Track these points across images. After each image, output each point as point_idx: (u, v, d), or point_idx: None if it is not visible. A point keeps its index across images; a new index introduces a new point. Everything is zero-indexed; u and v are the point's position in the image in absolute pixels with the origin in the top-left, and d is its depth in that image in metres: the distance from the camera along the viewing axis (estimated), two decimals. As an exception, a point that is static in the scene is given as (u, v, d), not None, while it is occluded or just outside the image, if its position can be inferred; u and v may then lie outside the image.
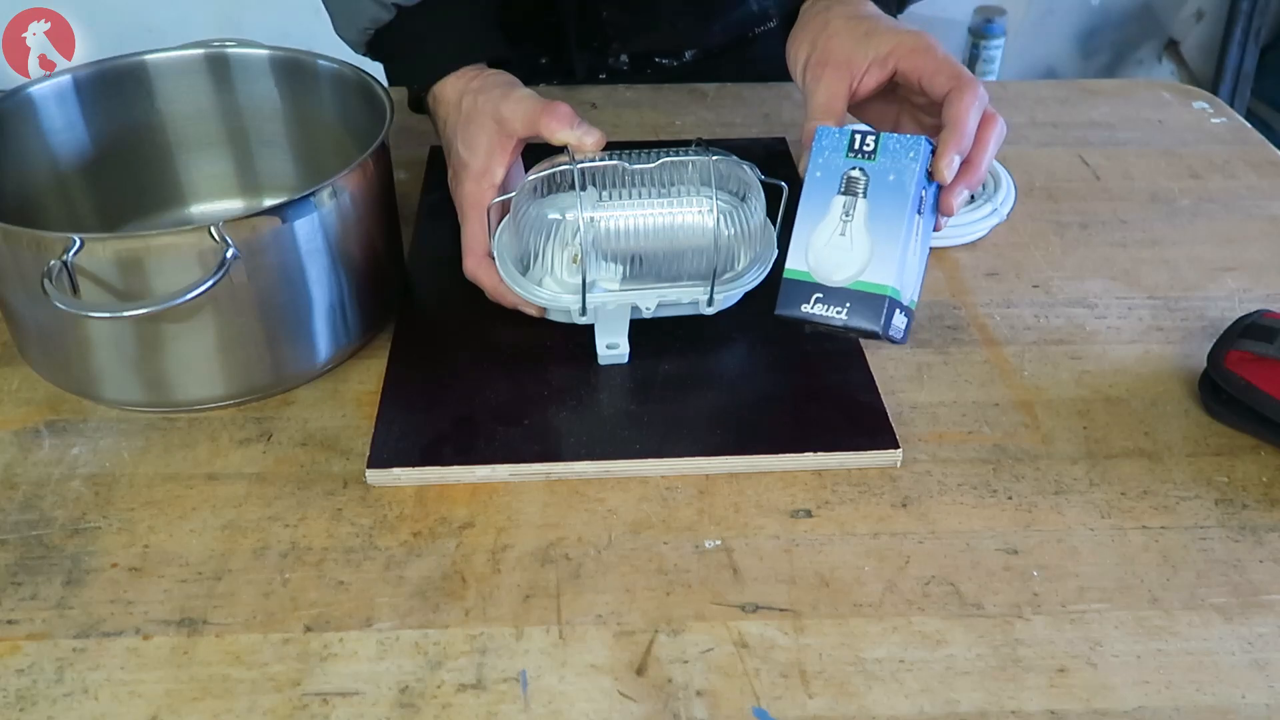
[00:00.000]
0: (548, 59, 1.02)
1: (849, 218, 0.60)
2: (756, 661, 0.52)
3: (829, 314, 0.59)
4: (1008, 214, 0.81)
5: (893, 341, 0.61)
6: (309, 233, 0.62)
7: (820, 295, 0.60)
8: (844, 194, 0.60)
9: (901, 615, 0.54)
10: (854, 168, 0.61)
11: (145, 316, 0.59)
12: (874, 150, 0.61)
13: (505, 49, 0.74)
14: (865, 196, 0.60)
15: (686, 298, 0.66)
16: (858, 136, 0.61)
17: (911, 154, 0.60)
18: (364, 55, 0.76)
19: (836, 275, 0.59)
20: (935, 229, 0.64)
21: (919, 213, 0.61)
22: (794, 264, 0.60)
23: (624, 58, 1.02)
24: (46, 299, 0.56)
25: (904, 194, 0.60)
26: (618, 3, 0.97)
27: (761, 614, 0.54)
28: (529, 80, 0.70)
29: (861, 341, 0.69)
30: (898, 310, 0.60)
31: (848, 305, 0.59)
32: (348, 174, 0.63)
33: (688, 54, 1.03)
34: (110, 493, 0.60)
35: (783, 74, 1.08)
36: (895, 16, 0.74)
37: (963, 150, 0.61)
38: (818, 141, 0.62)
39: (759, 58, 1.05)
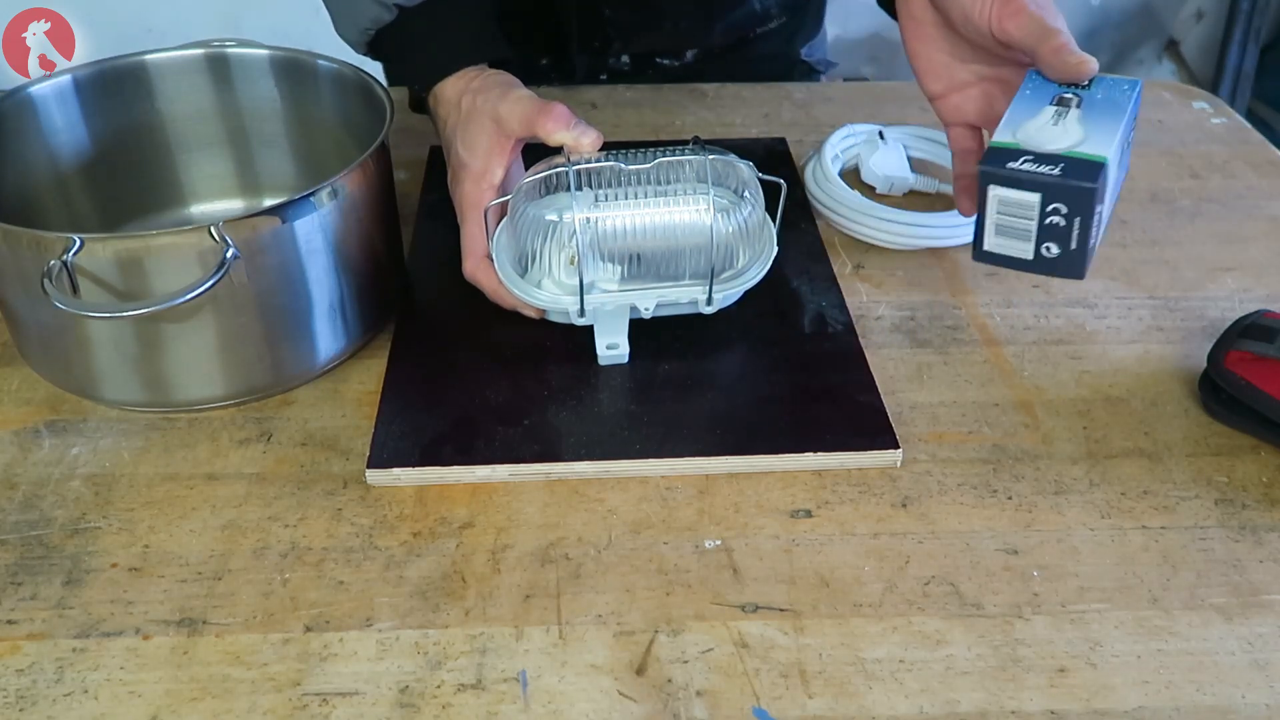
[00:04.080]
0: (549, 59, 1.02)
1: (1062, 116, 0.59)
2: (756, 661, 0.52)
3: (1039, 171, 0.56)
4: (1008, 214, 0.81)
5: (1080, 256, 0.56)
6: (309, 233, 0.62)
7: (1030, 158, 0.57)
8: (1055, 105, 0.60)
9: (901, 615, 0.54)
10: (1067, 92, 0.61)
11: (145, 316, 0.59)
12: (1089, 84, 0.61)
13: (506, 49, 0.74)
14: (1079, 107, 0.59)
15: (685, 297, 0.66)
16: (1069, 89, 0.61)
17: (1125, 86, 0.60)
18: (365, 55, 0.76)
19: (1050, 145, 0.57)
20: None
21: (1125, 148, 0.60)
22: (1000, 139, 0.58)
23: (625, 58, 1.02)
24: (46, 299, 0.56)
25: (1119, 110, 0.59)
26: (620, 2, 0.97)
27: (761, 614, 0.54)
28: (530, 81, 0.70)
29: (861, 341, 0.69)
30: (1104, 201, 0.56)
31: (1061, 166, 0.56)
32: (348, 174, 0.63)
33: (689, 54, 1.03)
34: (110, 493, 0.60)
35: (783, 74, 1.08)
36: None
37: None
38: (1029, 79, 0.62)
39: (760, 58, 1.05)
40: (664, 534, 0.58)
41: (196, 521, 0.59)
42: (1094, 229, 0.57)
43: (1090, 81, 0.61)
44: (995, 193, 0.57)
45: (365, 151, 0.64)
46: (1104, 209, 0.57)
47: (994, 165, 0.57)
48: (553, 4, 0.97)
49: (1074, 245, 0.57)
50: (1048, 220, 0.57)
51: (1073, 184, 0.55)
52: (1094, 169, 0.55)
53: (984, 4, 0.65)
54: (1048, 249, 0.58)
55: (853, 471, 0.61)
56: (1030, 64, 0.65)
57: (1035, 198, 0.56)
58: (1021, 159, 0.57)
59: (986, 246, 0.59)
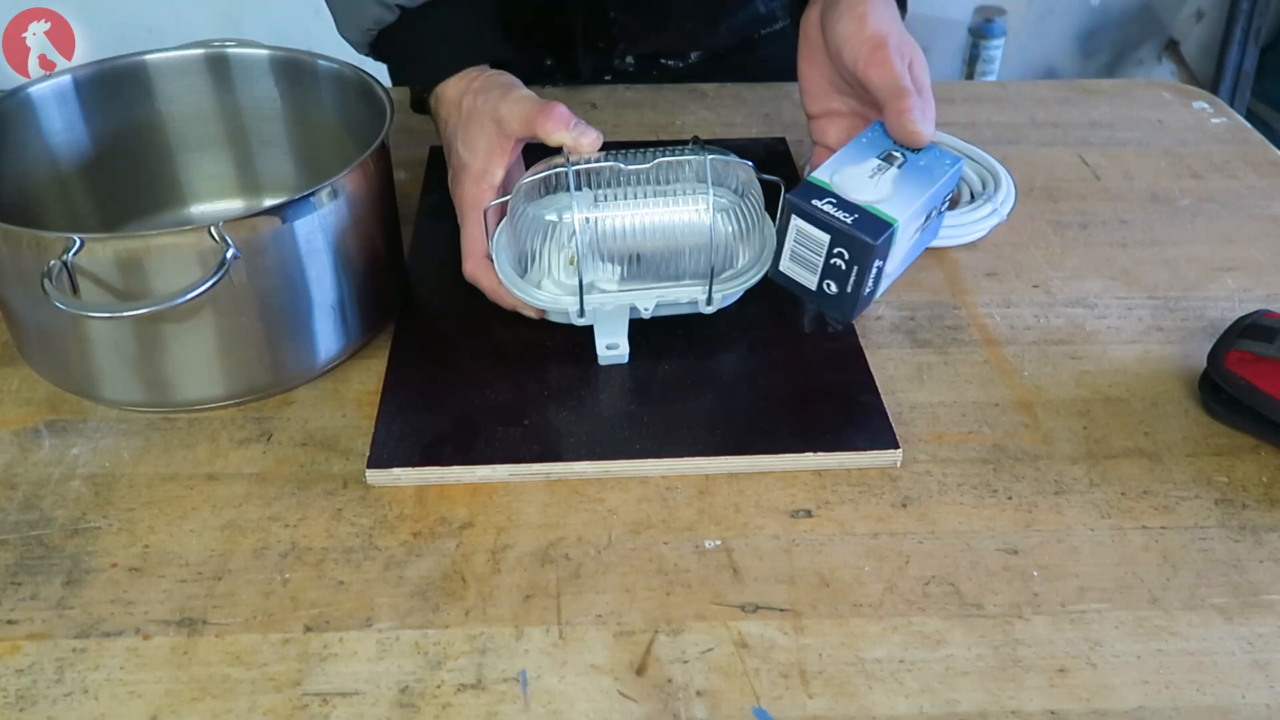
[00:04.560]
0: (553, 60, 1.02)
1: (881, 171, 0.63)
2: (756, 661, 0.52)
3: (835, 215, 0.60)
4: (1008, 214, 0.81)
5: (851, 300, 0.61)
6: (309, 233, 0.62)
7: (834, 201, 0.60)
8: (880, 159, 0.63)
9: (901, 615, 0.54)
10: (897, 150, 0.64)
11: (145, 316, 0.59)
12: (919, 151, 0.65)
13: (507, 50, 0.74)
14: (899, 168, 0.63)
15: (685, 297, 0.66)
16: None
17: (949, 161, 0.64)
18: (366, 55, 0.76)
19: (855, 195, 0.61)
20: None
21: (928, 216, 0.63)
22: (818, 176, 0.62)
23: (629, 59, 1.02)
24: (46, 299, 0.56)
25: (930, 182, 0.62)
26: (626, 3, 0.97)
27: (761, 614, 0.54)
28: (534, 81, 0.70)
29: (861, 341, 0.69)
30: (885, 259, 0.61)
31: (856, 217, 0.60)
32: (348, 174, 0.63)
33: (693, 55, 1.03)
34: (110, 493, 0.60)
35: (787, 75, 1.08)
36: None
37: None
38: (873, 127, 0.66)
39: (765, 59, 1.05)
40: (664, 534, 0.58)
41: (196, 521, 0.59)
42: (869, 279, 0.61)
43: (921, 150, 0.65)
44: (795, 223, 0.61)
45: (365, 151, 0.64)
46: (885, 265, 0.62)
47: (800, 198, 0.61)
48: (558, 5, 0.97)
49: (849, 289, 0.61)
50: (831, 260, 0.61)
51: (858, 235, 0.59)
52: (882, 227, 0.59)
53: (856, 46, 0.67)
54: (828, 285, 0.62)
55: (853, 471, 0.61)
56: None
57: (825, 237, 0.60)
58: (825, 199, 0.61)
59: (781, 267, 0.64)
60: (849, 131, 0.72)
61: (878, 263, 0.60)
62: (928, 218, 0.65)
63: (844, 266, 0.60)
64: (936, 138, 0.67)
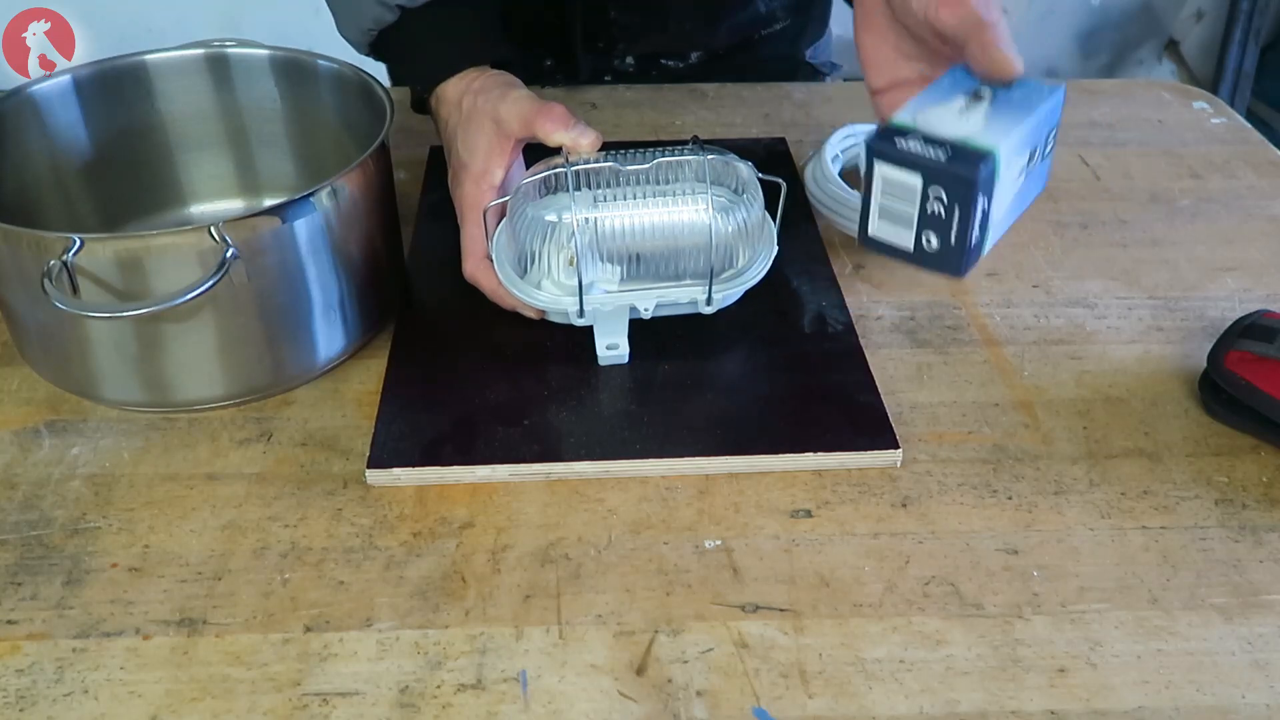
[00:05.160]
0: (553, 60, 1.02)
1: (970, 108, 0.57)
2: (756, 661, 0.52)
3: (923, 153, 0.54)
4: (1008, 214, 0.81)
5: (958, 253, 0.55)
6: (309, 233, 0.62)
7: (921, 139, 0.55)
8: (968, 97, 0.58)
9: (901, 615, 0.54)
10: (984, 88, 0.59)
11: (145, 316, 0.59)
12: (1011, 85, 0.59)
13: (508, 50, 0.74)
14: (990, 103, 0.58)
15: (685, 297, 0.66)
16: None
17: (1046, 92, 0.58)
18: (367, 55, 0.76)
19: (945, 131, 0.56)
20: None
21: (1032, 155, 0.58)
22: (898, 119, 0.57)
23: (629, 59, 1.02)
24: (46, 299, 0.56)
25: (1027, 110, 0.57)
26: (625, 4, 0.97)
27: (761, 614, 0.54)
28: (534, 81, 0.70)
29: (861, 341, 0.69)
30: (990, 198, 0.55)
31: (948, 151, 0.54)
32: (348, 174, 0.63)
33: (693, 55, 1.03)
34: (110, 493, 0.60)
35: (787, 77, 1.08)
36: None
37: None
38: (953, 70, 0.61)
39: (765, 60, 1.05)
40: (664, 534, 0.58)
41: (196, 521, 0.59)
42: (974, 224, 0.55)
43: (1014, 83, 0.59)
44: (880, 170, 0.55)
45: (365, 151, 0.64)
46: (991, 206, 0.55)
47: (882, 142, 0.56)
48: (558, 5, 0.97)
49: (953, 240, 0.55)
50: (929, 207, 0.55)
51: (954, 170, 0.53)
52: (979, 158, 0.54)
53: None
54: (927, 239, 0.56)
55: (853, 471, 0.61)
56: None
57: (917, 179, 0.54)
58: (910, 139, 0.55)
59: (871, 232, 0.58)
60: None
61: (983, 201, 0.54)
62: (1032, 157, 0.59)
63: (943, 212, 0.54)
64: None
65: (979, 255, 0.57)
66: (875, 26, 0.68)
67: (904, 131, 0.55)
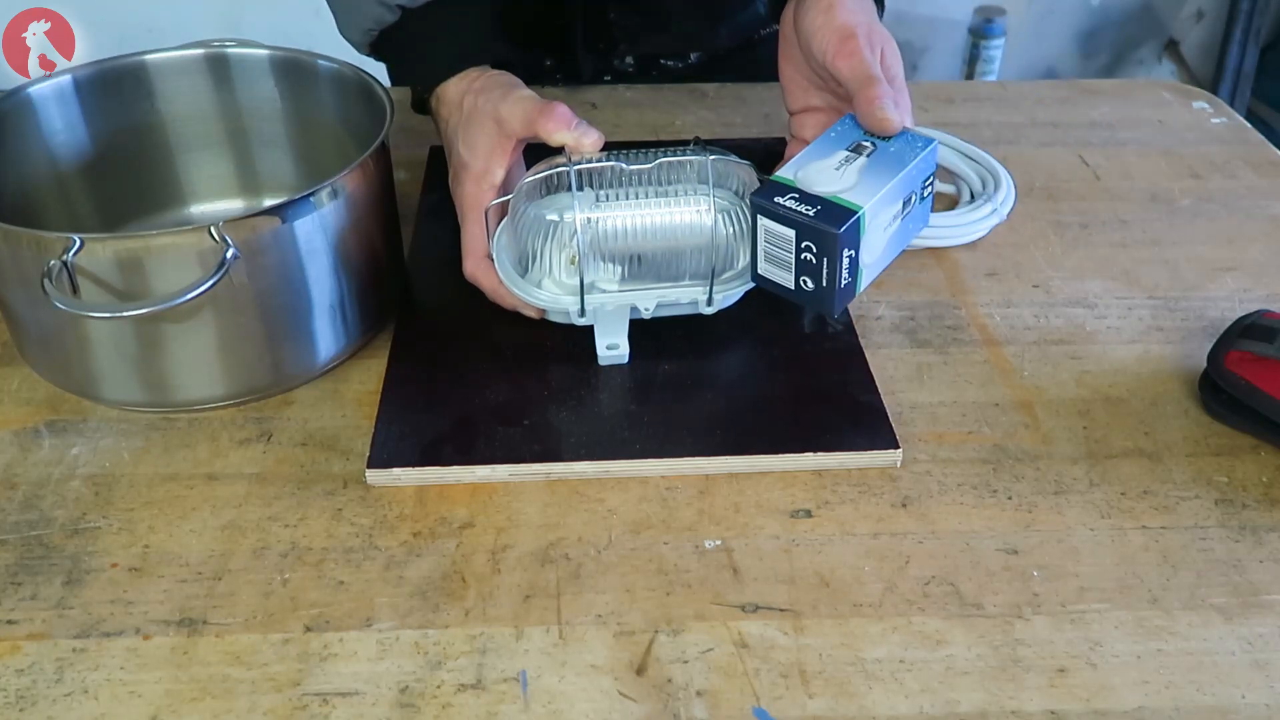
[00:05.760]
0: (553, 61, 1.02)
1: (848, 162, 0.62)
2: (756, 661, 0.52)
3: (797, 210, 0.59)
4: (1008, 214, 0.81)
5: (829, 294, 0.60)
6: (309, 233, 0.62)
7: (796, 196, 0.60)
8: (849, 150, 0.63)
9: (901, 615, 0.54)
10: (866, 140, 0.64)
11: (145, 316, 0.59)
12: (891, 139, 0.64)
13: (508, 51, 0.74)
14: (867, 157, 0.63)
15: (686, 298, 0.66)
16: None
17: (921, 144, 0.63)
18: (367, 55, 0.76)
19: (819, 188, 0.61)
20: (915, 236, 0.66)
21: (906, 202, 0.63)
22: (782, 174, 0.62)
23: (629, 60, 1.02)
24: (46, 299, 0.56)
25: (899, 165, 0.62)
26: (626, 4, 0.97)
27: (761, 614, 0.54)
28: (534, 81, 0.70)
29: (861, 341, 0.69)
30: (856, 249, 0.60)
31: (818, 208, 0.59)
32: (348, 174, 0.63)
33: (693, 56, 1.03)
34: (110, 493, 0.60)
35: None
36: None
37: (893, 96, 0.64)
38: (844, 120, 0.66)
39: (765, 60, 1.05)
40: (664, 534, 0.58)
41: (196, 521, 0.59)
42: (842, 271, 0.60)
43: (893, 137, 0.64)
44: (762, 223, 0.61)
45: (365, 151, 0.64)
46: (860, 255, 0.61)
47: (763, 198, 0.60)
48: (559, 5, 0.97)
49: (825, 283, 0.60)
50: (802, 255, 0.60)
51: (820, 227, 0.58)
52: (845, 215, 0.59)
53: (825, 37, 0.67)
54: (804, 282, 0.61)
55: (853, 471, 0.61)
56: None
57: (791, 233, 0.60)
58: (788, 196, 0.60)
59: (759, 271, 0.63)
60: (826, 128, 0.72)
61: (848, 252, 0.60)
62: (907, 203, 0.64)
63: (814, 260, 0.60)
64: (937, 138, 0.67)
65: (853, 294, 0.63)
66: (792, 58, 0.73)
67: (783, 188, 0.61)
